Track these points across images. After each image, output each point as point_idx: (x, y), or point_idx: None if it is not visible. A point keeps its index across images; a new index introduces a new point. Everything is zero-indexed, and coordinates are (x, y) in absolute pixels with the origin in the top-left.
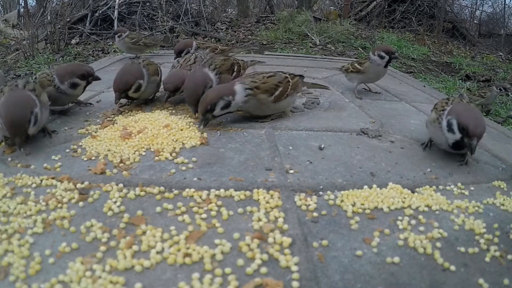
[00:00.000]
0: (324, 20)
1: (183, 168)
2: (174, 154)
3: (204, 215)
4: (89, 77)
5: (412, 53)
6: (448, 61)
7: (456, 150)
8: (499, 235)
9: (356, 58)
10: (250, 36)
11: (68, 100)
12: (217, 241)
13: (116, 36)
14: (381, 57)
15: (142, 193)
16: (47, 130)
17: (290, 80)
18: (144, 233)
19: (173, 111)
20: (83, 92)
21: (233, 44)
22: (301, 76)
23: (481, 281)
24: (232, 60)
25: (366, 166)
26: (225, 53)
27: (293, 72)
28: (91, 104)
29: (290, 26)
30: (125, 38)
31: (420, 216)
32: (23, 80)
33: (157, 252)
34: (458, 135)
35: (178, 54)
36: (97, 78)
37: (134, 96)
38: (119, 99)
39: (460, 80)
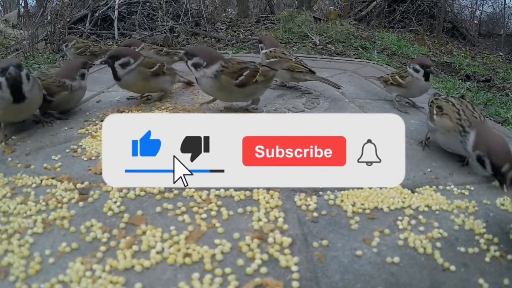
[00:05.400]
0: (324, 20)
1: None
2: None
3: (204, 215)
4: (86, 65)
5: (412, 53)
6: (448, 61)
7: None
8: (499, 235)
9: (356, 58)
10: (250, 36)
11: (79, 96)
12: (217, 241)
13: (64, 45)
14: (416, 71)
15: (142, 193)
16: (42, 121)
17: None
18: (144, 233)
19: (173, 111)
20: None
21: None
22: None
23: (481, 281)
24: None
25: None
26: (170, 55)
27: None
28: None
29: (290, 26)
30: (71, 48)
31: (420, 216)
32: None
33: (157, 252)
34: (490, 171)
35: None
36: (90, 65)
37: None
38: None
39: (460, 80)
